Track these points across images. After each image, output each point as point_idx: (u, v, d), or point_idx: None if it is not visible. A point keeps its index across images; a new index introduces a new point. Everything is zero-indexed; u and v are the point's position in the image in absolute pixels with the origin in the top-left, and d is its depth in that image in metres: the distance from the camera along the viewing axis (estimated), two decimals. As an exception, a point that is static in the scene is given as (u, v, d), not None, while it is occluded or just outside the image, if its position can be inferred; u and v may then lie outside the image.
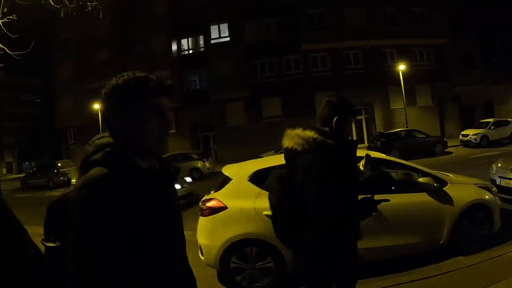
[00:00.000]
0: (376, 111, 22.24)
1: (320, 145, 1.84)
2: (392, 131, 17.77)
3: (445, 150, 17.01)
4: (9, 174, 32.67)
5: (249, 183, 3.78)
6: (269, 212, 2.14)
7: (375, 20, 21.57)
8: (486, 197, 4.08)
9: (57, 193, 18.24)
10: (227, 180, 3.94)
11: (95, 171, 0.95)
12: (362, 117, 22.47)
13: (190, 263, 1.19)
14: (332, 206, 1.78)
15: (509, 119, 19.38)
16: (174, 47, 23.71)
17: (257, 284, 3.56)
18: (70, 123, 26.35)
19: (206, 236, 3.74)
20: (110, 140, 1.06)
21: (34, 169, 22.68)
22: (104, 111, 1.03)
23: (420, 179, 3.71)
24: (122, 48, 24.09)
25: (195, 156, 16.97)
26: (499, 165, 6.04)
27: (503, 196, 5.63)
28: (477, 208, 3.98)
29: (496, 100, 23.33)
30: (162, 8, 23.28)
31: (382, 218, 3.62)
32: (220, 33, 22.80)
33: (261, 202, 3.49)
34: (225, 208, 3.63)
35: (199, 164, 16.14)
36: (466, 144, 17.86)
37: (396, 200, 3.65)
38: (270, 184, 2.14)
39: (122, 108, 1.00)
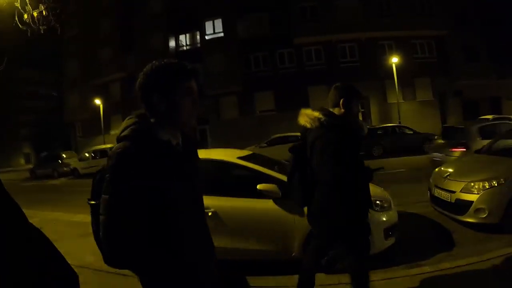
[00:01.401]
0: (372, 105, 21.34)
1: (324, 124, 2.19)
2: (377, 126, 17.02)
3: (436, 148, 16.02)
4: (28, 164, 34.53)
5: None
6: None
7: (371, 11, 20.54)
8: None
9: (59, 182, 19.07)
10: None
11: (120, 144, 1.14)
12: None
13: None
14: (332, 172, 2.10)
15: (511, 117, 17.98)
16: (172, 43, 23.76)
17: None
18: (77, 117, 27.18)
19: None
20: (136, 119, 1.23)
21: (41, 160, 23.65)
22: (144, 90, 1.21)
23: (258, 186, 3.46)
24: (123, 46, 24.48)
25: None
26: (441, 170, 5.29)
27: (435, 208, 4.99)
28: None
29: (504, 95, 21.82)
30: (160, 5, 23.39)
31: (230, 220, 3.58)
32: (214, 29, 22.67)
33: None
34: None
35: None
36: (461, 142, 16.74)
37: (241, 203, 3.60)
38: (289, 157, 2.47)
39: (162, 88, 1.18)
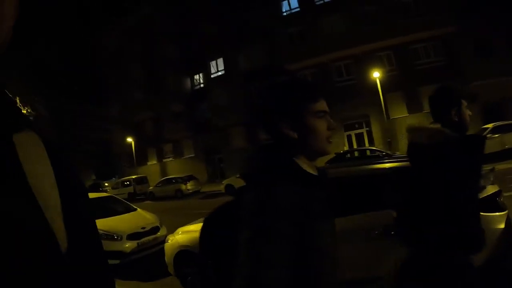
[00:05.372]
0: (374, 123, 25.18)
1: (449, 139, 2.06)
2: (345, 150, 20.81)
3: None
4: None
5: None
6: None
7: (360, 24, 24.49)
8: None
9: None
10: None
11: (268, 187, 1.15)
12: (363, 131, 25.50)
13: None
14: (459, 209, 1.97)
15: (514, 122, 19.12)
16: (187, 83, 33.38)
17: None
18: (123, 149, 38.08)
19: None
20: (268, 152, 1.29)
21: (89, 187, 35.13)
22: (268, 117, 1.32)
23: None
24: (149, 88, 34.50)
25: (179, 180, 25.10)
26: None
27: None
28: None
29: (536, 90, 22.86)
30: (173, 52, 33.41)
31: None
32: (217, 67, 31.46)
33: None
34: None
35: (182, 186, 23.91)
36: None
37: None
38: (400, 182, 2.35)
39: (292, 113, 1.28)
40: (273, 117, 1.30)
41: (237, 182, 20.56)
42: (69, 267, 0.63)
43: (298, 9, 27.65)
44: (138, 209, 9.71)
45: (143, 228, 8.35)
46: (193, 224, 6.22)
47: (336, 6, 25.47)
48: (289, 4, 28.21)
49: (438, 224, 2.04)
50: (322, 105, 1.32)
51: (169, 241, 6.21)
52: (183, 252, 5.74)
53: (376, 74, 23.05)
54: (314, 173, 1.30)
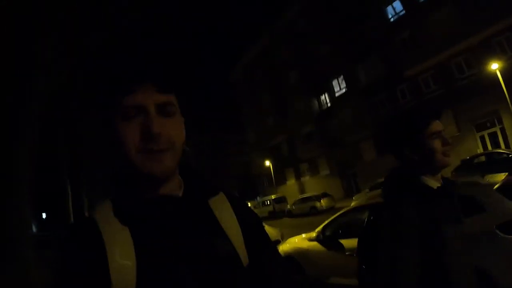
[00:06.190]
0: (505, 118, 22.70)
1: None
2: (467, 157, 19.28)
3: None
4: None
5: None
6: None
7: (469, 11, 22.70)
8: None
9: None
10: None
11: (397, 206, 1.56)
12: (496, 129, 23.61)
13: None
14: None
15: None
16: (314, 104, 37.65)
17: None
18: (262, 171, 45.17)
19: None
20: (395, 173, 1.74)
21: None
22: (392, 145, 1.77)
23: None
24: (280, 113, 39.72)
25: (314, 198, 27.69)
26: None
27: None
28: None
29: None
30: (296, 76, 38.13)
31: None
32: (340, 85, 34.58)
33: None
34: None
35: (316, 203, 26.87)
36: None
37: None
38: None
39: (411, 140, 1.67)
40: (398, 145, 1.74)
41: (366, 197, 21.95)
42: (250, 274, 1.01)
43: (404, 12, 27.90)
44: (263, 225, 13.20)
45: None
46: (297, 236, 7.68)
47: (440, -1, 24.96)
48: (393, 9, 28.79)
49: None
50: (436, 126, 1.66)
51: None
52: (286, 258, 7.01)
53: (494, 66, 21.20)
54: (436, 186, 1.66)
